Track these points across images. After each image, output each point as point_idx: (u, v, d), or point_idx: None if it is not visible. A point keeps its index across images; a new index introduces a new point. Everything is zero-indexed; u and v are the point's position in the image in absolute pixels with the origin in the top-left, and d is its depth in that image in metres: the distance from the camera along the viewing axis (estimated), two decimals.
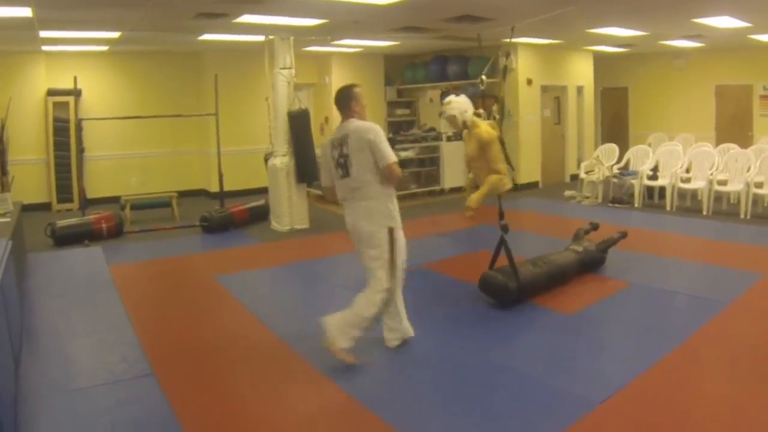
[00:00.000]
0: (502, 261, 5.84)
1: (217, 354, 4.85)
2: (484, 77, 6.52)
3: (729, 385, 4.09)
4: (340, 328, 4.35)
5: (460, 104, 5.85)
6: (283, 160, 9.31)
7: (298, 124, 9.27)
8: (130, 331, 5.20)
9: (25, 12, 6.69)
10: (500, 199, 6.01)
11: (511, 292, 5.59)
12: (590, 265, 6.65)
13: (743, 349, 4.66)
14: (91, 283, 6.69)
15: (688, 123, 13.93)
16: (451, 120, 5.92)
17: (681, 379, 4.19)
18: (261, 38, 9.39)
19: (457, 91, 13.15)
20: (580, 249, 6.58)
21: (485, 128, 5.88)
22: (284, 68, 9.16)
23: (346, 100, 4.53)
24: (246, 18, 7.81)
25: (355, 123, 4.46)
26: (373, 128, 4.42)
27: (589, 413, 3.73)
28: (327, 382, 4.27)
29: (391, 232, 4.47)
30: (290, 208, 9.43)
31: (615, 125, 16.11)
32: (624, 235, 7.11)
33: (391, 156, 4.36)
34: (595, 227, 7.25)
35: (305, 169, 9.33)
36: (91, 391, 4.12)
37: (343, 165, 4.42)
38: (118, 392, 4.10)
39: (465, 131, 6.00)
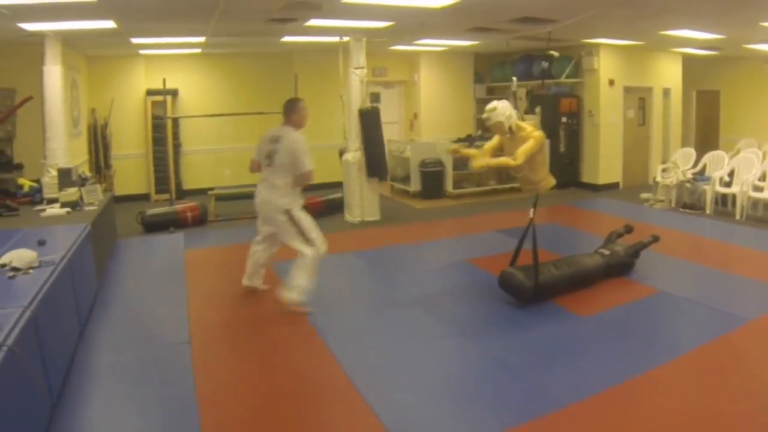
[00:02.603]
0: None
1: (249, 332, 5.49)
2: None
3: (702, 405, 4.08)
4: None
5: (505, 109, 5.92)
6: (355, 155, 9.86)
7: (369, 121, 9.77)
8: (184, 307, 5.96)
9: (110, 24, 7.49)
10: (537, 197, 6.21)
11: (527, 291, 5.82)
12: (617, 269, 6.69)
13: (737, 370, 4.64)
14: (166, 264, 7.56)
15: None
16: (498, 126, 5.94)
17: (656, 392, 4.25)
18: (336, 39, 9.89)
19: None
20: (608, 253, 6.64)
21: (536, 132, 5.91)
22: (357, 68, 9.69)
23: (289, 109, 5.88)
24: (315, 22, 8.28)
25: (288, 131, 5.80)
26: (301, 141, 5.73)
27: (555, 413, 3.97)
28: (333, 360, 4.80)
29: (288, 212, 5.74)
30: (361, 201, 10.01)
31: (707, 129, 15.72)
32: (656, 239, 7.10)
33: (308, 164, 5.68)
34: (629, 230, 7.28)
35: (375, 164, 9.87)
36: (137, 351, 4.96)
37: (270, 157, 5.76)
38: (157, 354, 4.92)
39: (507, 136, 6.02)
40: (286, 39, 10.20)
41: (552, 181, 6.35)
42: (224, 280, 7.03)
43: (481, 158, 6.15)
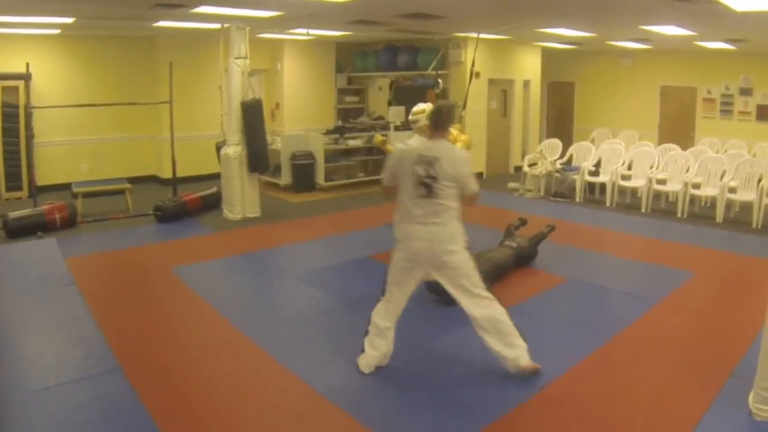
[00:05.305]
0: None
1: (181, 348, 5.05)
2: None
3: (655, 377, 4.51)
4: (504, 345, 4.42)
5: None
6: (236, 149, 9.40)
7: (251, 113, 9.37)
8: (93, 326, 5.31)
9: None
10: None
11: None
12: (524, 259, 7.02)
13: (669, 343, 5.12)
14: (48, 277, 6.64)
15: (632, 120, 14.37)
16: (426, 129, 5.90)
17: (611, 371, 4.64)
18: (216, 25, 9.36)
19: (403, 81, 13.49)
20: (515, 245, 6.92)
21: (462, 136, 5.96)
22: (239, 58, 9.21)
23: (446, 118, 4.44)
24: (204, 9, 7.76)
25: (447, 146, 4.43)
26: (467, 158, 4.50)
27: (526, 402, 4.15)
28: (283, 370, 4.60)
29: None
30: (242, 197, 9.57)
31: (560, 119, 16.51)
32: (552, 228, 7.51)
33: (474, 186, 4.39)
34: (523, 222, 7.61)
35: (257, 159, 9.51)
36: (60, 388, 4.23)
37: (428, 186, 4.27)
38: (87, 388, 4.24)
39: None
40: (161, 24, 9.48)
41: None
42: (126, 291, 6.42)
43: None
